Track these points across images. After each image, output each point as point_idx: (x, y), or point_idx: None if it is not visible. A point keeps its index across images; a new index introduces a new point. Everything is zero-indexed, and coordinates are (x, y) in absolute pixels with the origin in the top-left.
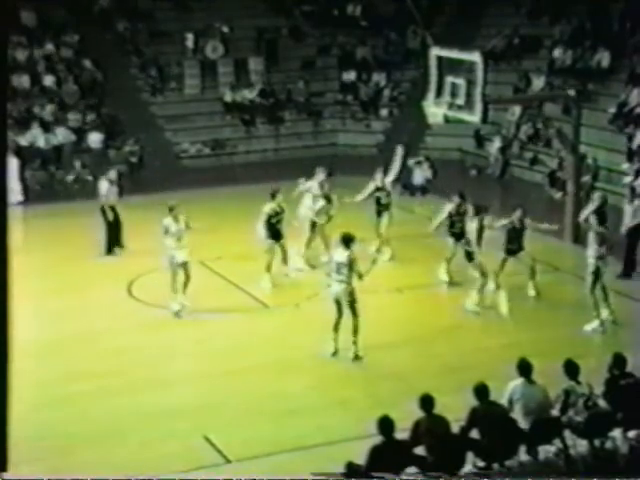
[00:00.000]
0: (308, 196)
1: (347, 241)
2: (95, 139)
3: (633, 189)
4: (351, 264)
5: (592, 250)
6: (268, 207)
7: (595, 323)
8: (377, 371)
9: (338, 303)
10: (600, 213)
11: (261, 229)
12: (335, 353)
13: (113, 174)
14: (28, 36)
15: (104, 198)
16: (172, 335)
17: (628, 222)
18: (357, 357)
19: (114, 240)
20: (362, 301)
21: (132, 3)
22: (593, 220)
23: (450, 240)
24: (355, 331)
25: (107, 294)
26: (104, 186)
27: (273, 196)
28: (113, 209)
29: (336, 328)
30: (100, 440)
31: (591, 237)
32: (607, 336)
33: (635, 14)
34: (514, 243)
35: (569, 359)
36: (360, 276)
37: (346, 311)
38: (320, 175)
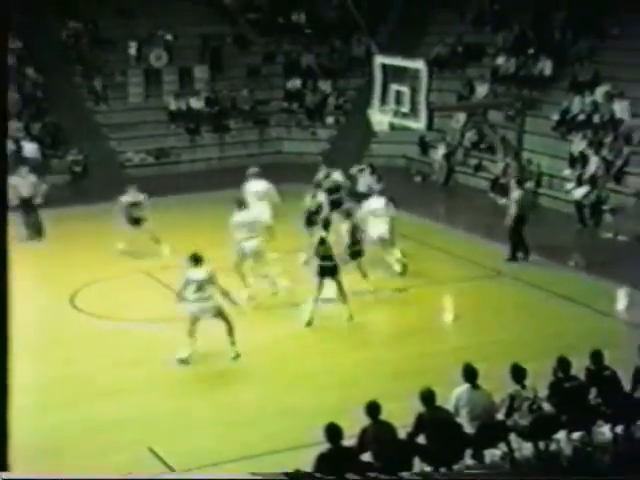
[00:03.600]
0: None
1: (197, 260)
2: (30, 149)
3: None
4: (211, 279)
5: None
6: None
7: None
8: (323, 379)
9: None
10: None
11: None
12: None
13: (24, 171)
14: None
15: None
16: (116, 346)
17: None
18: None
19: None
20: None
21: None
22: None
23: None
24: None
25: (50, 305)
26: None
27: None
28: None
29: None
30: (42, 453)
31: None
32: (552, 341)
33: (576, 23)
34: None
35: (515, 363)
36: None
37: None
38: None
